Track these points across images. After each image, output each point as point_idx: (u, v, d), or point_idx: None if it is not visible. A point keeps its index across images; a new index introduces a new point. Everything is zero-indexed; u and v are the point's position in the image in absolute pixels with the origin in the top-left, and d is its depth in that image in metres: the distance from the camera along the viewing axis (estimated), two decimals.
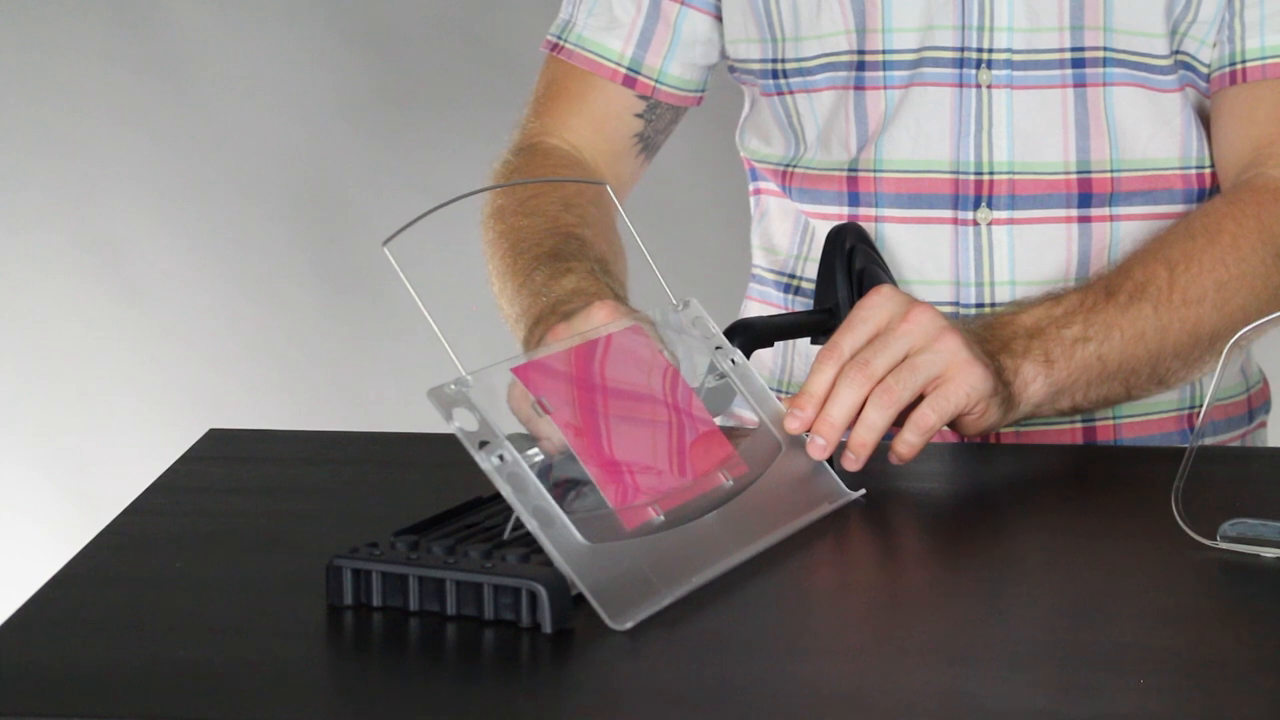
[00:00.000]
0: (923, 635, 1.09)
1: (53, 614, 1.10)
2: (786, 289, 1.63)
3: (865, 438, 1.26)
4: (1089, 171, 1.52)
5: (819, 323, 1.44)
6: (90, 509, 2.91)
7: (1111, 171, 1.52)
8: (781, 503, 1.22)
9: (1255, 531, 1.18)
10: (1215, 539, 1.18)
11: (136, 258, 3.10)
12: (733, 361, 1.29)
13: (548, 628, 1.05)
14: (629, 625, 1.06)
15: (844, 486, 1.27)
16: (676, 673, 1.03)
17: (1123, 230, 1.53)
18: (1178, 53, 1.52)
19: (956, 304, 1.54)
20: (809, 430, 1.26)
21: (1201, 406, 1.59)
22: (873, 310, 1.29)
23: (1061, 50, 1.50)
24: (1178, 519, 1.19)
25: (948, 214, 1.53)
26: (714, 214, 2.96)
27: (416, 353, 2.85)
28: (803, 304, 1.61)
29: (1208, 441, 1.59)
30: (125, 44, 3.06)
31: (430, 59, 3.09)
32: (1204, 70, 1.53)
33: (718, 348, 1.29)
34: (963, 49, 1.50)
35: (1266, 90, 1.52)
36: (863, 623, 1.12)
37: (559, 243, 1.47)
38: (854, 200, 1.56)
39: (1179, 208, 1.54)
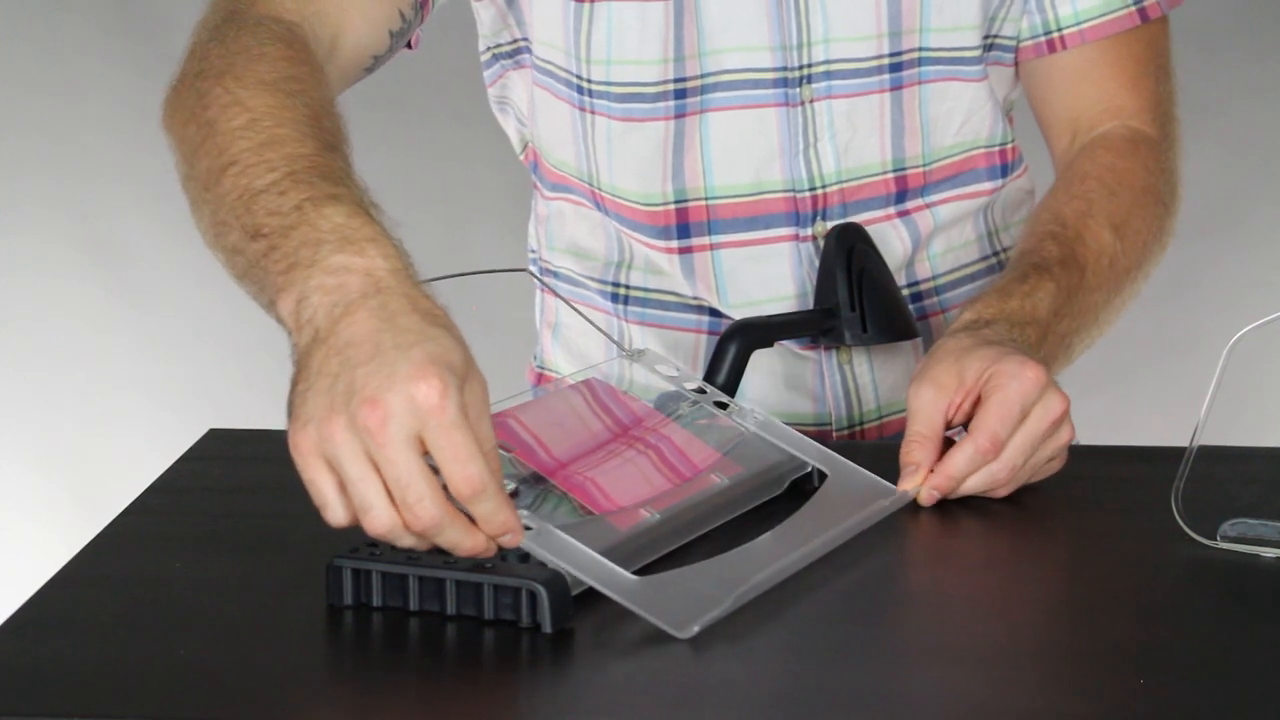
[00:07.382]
0: (923, 635, 1.09)
1: (53, 614, 1.10)
2: (615, 298, 1.57)
3: (951, 490, 1.27)
4: (904, 169, 1.52)
5: (819, 322, 1.44)
6: (90, 509, 2.91)
7: (924, 165, 1.53)
8: (837, 510, 1.22)
9: (1255, 531, 1.18)
10: (1215, 539, 1.18)
11: (136, 258, 3.09)
12: (700, 390, 1.31)
13: (548, 628, 1.05)
14: (695, 630, 1.05)
15: (893, 487, 1.26)
16: (676, 673, 1.03)
17: (943, 214, 1.54)
18: (992, 37, 1.52)
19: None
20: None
21: None
22: (1019, 405, 1.26)
23: (880, 57, 1.48)
24: (1178, 519, 1.19)
25: (787, 232, 1.51)
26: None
27: None
28: (635, 313, 1.56)
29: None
30: (125, 44, 3.05)
31: (430, 59, 3.08)
32: (1011, 44, 1.54)
33: (685, 383, 1.31)
34: (785, 68, 1.47)
35: (1090, 53, 1.53)
36: (863, 623, 1.12)
37: (320, 149, 1.21)
38: (684, 233, 1.51)
39: (985, 185, 1.56)
